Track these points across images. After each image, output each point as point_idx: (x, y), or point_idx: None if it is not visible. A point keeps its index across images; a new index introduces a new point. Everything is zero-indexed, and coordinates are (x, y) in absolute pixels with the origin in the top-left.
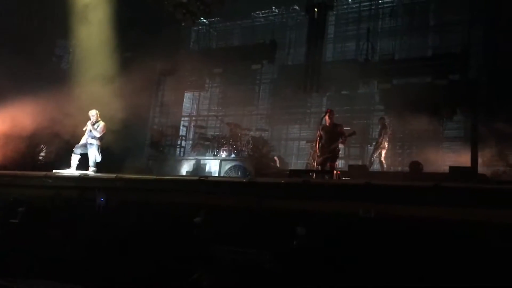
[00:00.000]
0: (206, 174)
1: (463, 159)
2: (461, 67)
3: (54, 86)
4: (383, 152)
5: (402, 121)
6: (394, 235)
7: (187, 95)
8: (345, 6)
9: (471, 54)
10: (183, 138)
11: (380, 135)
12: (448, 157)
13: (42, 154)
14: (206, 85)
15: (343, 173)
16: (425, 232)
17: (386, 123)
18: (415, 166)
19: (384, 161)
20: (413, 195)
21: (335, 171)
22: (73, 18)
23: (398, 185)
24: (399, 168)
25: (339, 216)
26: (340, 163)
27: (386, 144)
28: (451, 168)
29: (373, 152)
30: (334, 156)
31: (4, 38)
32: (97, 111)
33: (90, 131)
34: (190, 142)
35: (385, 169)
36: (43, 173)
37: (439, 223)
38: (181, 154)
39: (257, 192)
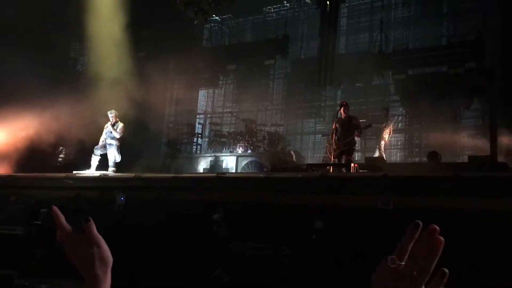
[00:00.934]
0: (223, 171)
1: (482, 147)
2: (477, 55)
3: (70, 88)
4: (382, 143)
5: (418, 111)
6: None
7: (202, 93)
8: None
9: (486, 41)
10: (199, 135)
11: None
12: (467, 146)
13: (62, 155)
14: (220, 82)
15: (360, 165)
16: (445, 223)
17: (389, 115)
18: (433, 156)
19: (383, 153)
20: (432, 186)
21: (352, 164)
22: (86, 20)
23: (416, 176)
24: (417, 159)
25: (357, 209)
26: (356, 156)
27: (387, 136)
28: (470, 157)
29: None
30: (351, 149)
31: (19, 42)
32: (116, 112)
33: (110, 131)
34: (206, 139)
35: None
36: (64, 174)
37: (459, 214)
38: (198, 152)
39: (274, 187)
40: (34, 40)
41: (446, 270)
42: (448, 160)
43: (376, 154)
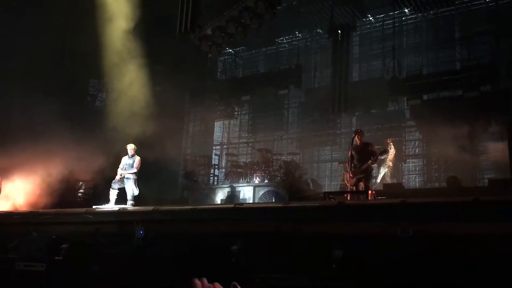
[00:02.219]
0: (241, 201)
1: (502, 170)
2: (492, 77)
3: (90, 124)
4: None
5: (435, 136)
6: (435, 253)
7: (217, 124)
8: (368, 26)
9: (501, 64)
10: (216, 166)
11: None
12: (487, 170)
13: (81, 190)
14: (236, 113)
15: (378, 192)
16: (466, 248)
17: (390, 143)
18: (453, 180)
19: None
20: (451, 211)
21: (369, 191)
22: (104, 57)
23: (435, 201)
24: (436, 184)
25: (376, 237)
26: (374, 182)
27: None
28: (490, 180)
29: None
30: (368, 175)
31: (39, 80)
32: (134, 146)
33: (127, 165)
34: (223, 170)
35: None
36: (84, 209)
37: (480, 239)
38: (215, 183)
39: (292, 216)
40: (53, 77)
41: None
42: (468, 184)
43: (379, 180)
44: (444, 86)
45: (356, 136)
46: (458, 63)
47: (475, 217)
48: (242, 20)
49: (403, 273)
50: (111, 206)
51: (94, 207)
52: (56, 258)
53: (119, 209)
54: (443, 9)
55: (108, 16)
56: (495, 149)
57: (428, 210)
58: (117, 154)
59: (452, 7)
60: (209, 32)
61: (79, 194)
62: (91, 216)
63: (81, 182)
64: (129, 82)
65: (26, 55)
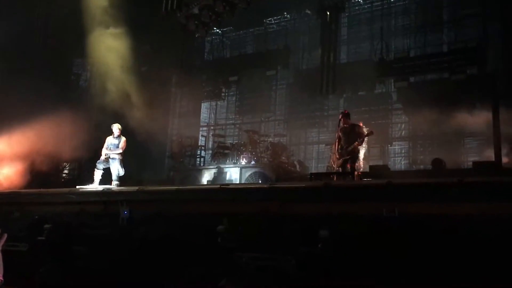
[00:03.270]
0: (227, 182)
1: (487, 153)
2: (479, 60)
3: (74, 103)
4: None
5: (421, 118)
6: (419, 233)
7: (204, 105)
8: (357, 7)
9: (488, 47)
10: (203, 147)
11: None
12: (471, 153)
13: (66, 171)
14: (223, 94)
15: (364, 174)
16: (450, 229)
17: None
18: (438, 163)
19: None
20: (437, 192)
21: (356, 172)
22: (88, 37)
23: (421, 182)
24: (422, 166)
25: (362, 217)
26: (363, 164)
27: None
28: (474, 163)
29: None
30: (354, 157)
31: (23, 59)
32: (120, 126)
33: (112, 145)
34: (210, 151)
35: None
36: (67, 189)
37: (465, 220)
38: (201, 164)
39: (279, 197)
40: (37, 57)
41: None
42: (453, 167)
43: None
44: (431, 68)
45: (343, 117)
46: (446, 46)
47: (460, 198)
48: None
49: (388, 253)
50: (95, 186)
51: (78, 187)
52: (39, 238)
53: (104, 189)
54: None
55: None
56: (480, 132)
57: (414, 191)
58: (102, 134)
59: None
60: (196, 11)
61: (63, 175)
62: (74, 196)
63: (65, 163)
64: (114, 61)
65: (6, 33)
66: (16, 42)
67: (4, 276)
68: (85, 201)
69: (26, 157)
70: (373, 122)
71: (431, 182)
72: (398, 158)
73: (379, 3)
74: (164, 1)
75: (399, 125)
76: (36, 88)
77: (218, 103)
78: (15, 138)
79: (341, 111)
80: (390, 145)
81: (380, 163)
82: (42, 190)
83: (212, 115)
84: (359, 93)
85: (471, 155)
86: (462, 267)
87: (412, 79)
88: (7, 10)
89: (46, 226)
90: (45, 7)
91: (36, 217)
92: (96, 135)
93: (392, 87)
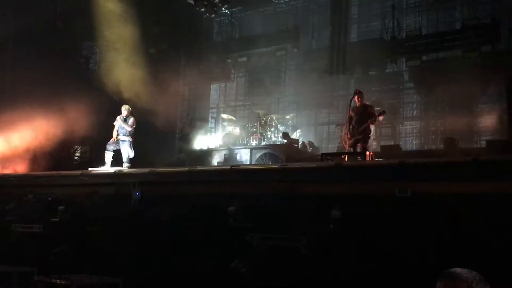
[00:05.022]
0: (238, 163)
1: (500, 132)
2: (492, 37)
3: (83, 86)
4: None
5: (433, 97)
6: (433, 213)
7: (214, 87)
8: None
9: (502, 24)
10: (213, 129)
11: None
12: (484, 132)
13: (78, 153)
14: (232, 75)
15: (375, 154)
16: (464, 208)
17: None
18: (450, 142)
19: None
20: (450, 171)
21: (367, 152)
22: (96, 19)
23: (433, 161)
24: (434, 146)
25: (374, 197)
26: (373, 144)
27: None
28: (488, 142)
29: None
30: (365, 137)
31: (32, 42)
32: (129, 107)
33: (122, 127)
34: (220, 133)
35: None
36: (79, 171)
37: (479, 199)
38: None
39: (290, 177)
40: (46, 40)
41: None
42: (466, 146)
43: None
44: (443, 46)
45: (356, 97)
46: (459, 23)
47: (474, 177)
48: None
49: (401, 234)
50: (107, 168)
51: (90, 169)
52: (53, 219)
53: (115, 171)
54: None
55: None
56: (493, 111)
57: (427, 170)
58: (112, 116)
59: None
60: None
61: (75, 157)
62: (87, 178)
63: (76, 146)
64: (122, 43)
65: (18, 18)
66: (25, 25)
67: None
68: (97, 183)
69: (38, 140)
70: (384, 102)
71: (444, 161)
72: (410, 138)
73: None
74: None
75: (410, 104)
76: (45, 71)
77: (228, 84)
78: (25, 121)
79: (352, 91)
80: (402, 125)
81: (392, 143)
82: (54, 172)
83: (222, 97)
84: (370, 72)
85: (484, 134)
86: (477, 247)
87: (424, 58)
88: None
89: (60, 207)
90: None
91: (50, 199)
92: (106, 118)
93: (404, 66)
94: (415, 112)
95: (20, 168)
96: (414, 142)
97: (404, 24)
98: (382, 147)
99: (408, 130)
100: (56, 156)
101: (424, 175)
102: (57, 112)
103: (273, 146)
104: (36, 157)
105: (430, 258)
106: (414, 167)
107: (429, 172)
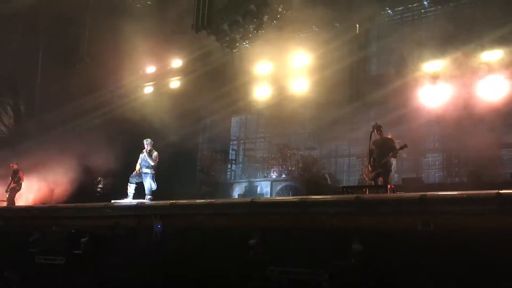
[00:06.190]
0: (258, 196)
1: None
2: None
3: (108, 119)
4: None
5: (455, 130)
6: (456, 248)
7: (234, 119)
8: (386, 19)
9: None
10: (233, 161)
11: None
12: (508, 165)
13: (100, 185)
14: (253, 108)
15: (397, 186)
16: (488, 243)
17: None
18: (474, 175)
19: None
20: (474, 205)
21: (388, 185)
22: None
23: (456, 195)
24: (457, 179)
25: (396, 231)
26: (394, 177)
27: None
28: None
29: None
30: (387, 170)
31: (60, 73)
32: (151, 141)
33: (145, 160)
34: (240, 165)
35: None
36: (103, 203)
37: (503, 233)
38: (232, 178)
39: (310, 210)
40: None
41: None
42: (490, 179)
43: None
44: None
45: (376, 130)
46: None
47: (498, 211)
48: (259, 15)
49: (423, 268)
50: (129, 200)
51: (112, 201)
52: (76, 251)
53: (137, 203)
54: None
55: None
56: None
57: (449, 204)
58: (134, 149)
59: None
60: (225, 27)
61: (98, 189)
62: (109, 210)
63: (99, 177)
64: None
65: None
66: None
67: None
68: (120, 215)
69: (63, 172)
70: (405, 134)
71: (467, 194)
72: (432, 171)
73: (409, 13)
74: (195, 18)
75: (432, 136)
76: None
77: (248, 117)
78: (52, 154)
79: (373, 124)
80: (424, 157)
81: (414, 175)
82: (78, 204)
83: (243, 129)
84: (390, 104)
85: (509, 167)
86: (500, 283)
87: None
88: None
89: (83, 239)
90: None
91: (73, 230)
92: (128, 151)
93: None
94: (436, 144)
95: (44, 200)
96: (437, 175)
97: (424, 58)
98: (404, 179)
99: (431, 162)
100: (79, 187)
101: (447, 209)
102: (81, 145)
103: (293, 179)
104: (59, 189)
105: None
106: (437, 201)
107: (452, 205)
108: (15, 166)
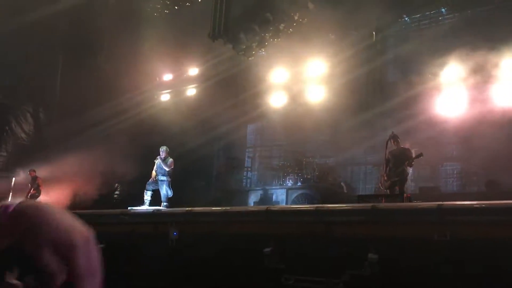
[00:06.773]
0: (274, 204)
1: None
2: None
3: (125, 127)
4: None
5: (474, 139)
6: (473, 258)
7: (250, 127)
8: (403, 27)
9: None
10: (249, 169)
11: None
12: None
13: (117, 192)
14: (269, 116)
15: (414, 195)
16: (507, 253)
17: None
18: (492, 185)
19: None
20: (493, 215)
21: (405, 194)
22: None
23: (473, 205)
24: (475, 188)
25: (412, 240)
26: (411, 186)
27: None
28: None
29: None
30: (403, 179)
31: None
32: (167, 148)
33: (160, 167)
34: (256, 173)
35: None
36: (119, 210)
37: None
38: (248, 185)
39: (326, 218)
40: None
41: None
42: (510, 188)
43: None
44: None
45: (392, 140)
46: None
47: None
48: (276, 23)
49: (440, 278)
50: (145, 207)
51: (129, 208)
52: None
53: (154, 210)
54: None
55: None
56: None
57: (467, 213)
58: (152, 157)
59: None
60: (242, 35)
61: (115, 196)
62: (126, 217)
63: (117, 184)
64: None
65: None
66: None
67: None
68: (136, 222)
69: (78, 179)
70: (421, 142)
71: (485, 204)
72: (450, 180)
73: (426, 21)
74: (211, 26)
75: (449, 145)
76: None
77: (264, 124)
78: (67, 160)
79: (389, 134)
80: (441, 166)
81: (431, 185)
82: (95, 211)
83: (259, 136)
84: (407, 112)
85: None
86: None
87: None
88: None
89: (100, 246)
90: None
91: None
92: (145, 158)
93: None
94: (454, 153)
95: (62, 206)
96: (454, 184)
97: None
98: (421, 188)
99: (448, 171)
100: (96, 194)
101: (464, 218)
102: (98, 152)
103: (309, 187)
104: (78, 195)
105: None
106: (454, 211)
107: (470, 215)
108: (33, 173)
